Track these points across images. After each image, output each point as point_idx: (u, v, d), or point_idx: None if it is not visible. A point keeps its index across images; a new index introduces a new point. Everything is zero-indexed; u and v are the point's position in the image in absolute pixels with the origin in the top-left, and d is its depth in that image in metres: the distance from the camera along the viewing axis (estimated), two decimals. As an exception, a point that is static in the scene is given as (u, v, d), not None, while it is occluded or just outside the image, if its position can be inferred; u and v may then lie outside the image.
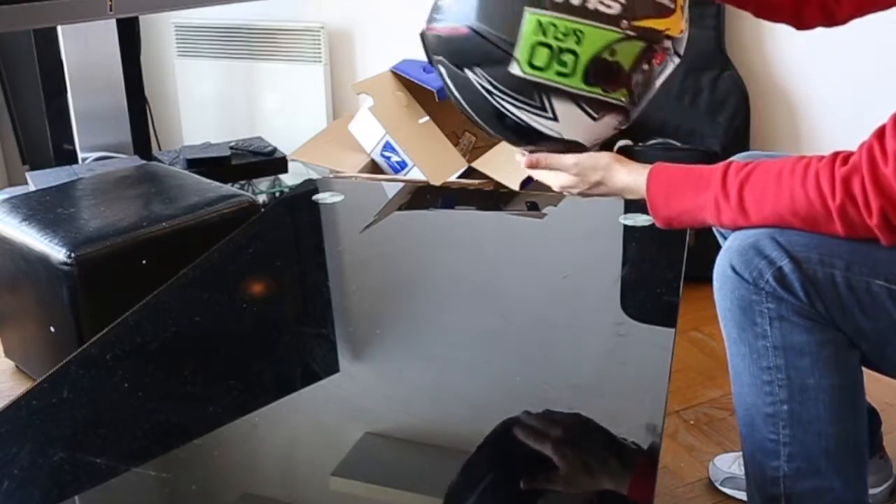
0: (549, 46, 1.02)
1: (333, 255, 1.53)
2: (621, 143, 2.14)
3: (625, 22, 1.02)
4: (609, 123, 1.08)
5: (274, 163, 2.50)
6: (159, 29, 2.77)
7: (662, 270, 1.34)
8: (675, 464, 1.56)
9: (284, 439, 1.02)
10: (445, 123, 2.27)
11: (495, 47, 1.04)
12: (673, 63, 1.08)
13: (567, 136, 1.09)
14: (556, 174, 1.16)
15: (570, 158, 1.13)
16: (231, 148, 2.50)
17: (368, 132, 2.19)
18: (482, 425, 1.04)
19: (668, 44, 1.06)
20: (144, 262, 1.68)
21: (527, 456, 1.00)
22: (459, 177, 2.12)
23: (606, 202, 1.31)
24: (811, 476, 1.11)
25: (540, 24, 1.01)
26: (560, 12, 1.01)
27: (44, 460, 0.96)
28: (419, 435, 1.04)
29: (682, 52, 1.09)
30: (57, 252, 1.62)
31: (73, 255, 1.61)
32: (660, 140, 2.20)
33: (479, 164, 2.14)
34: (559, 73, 1.03)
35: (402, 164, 2.17)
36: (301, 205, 1.75)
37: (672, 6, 1.05)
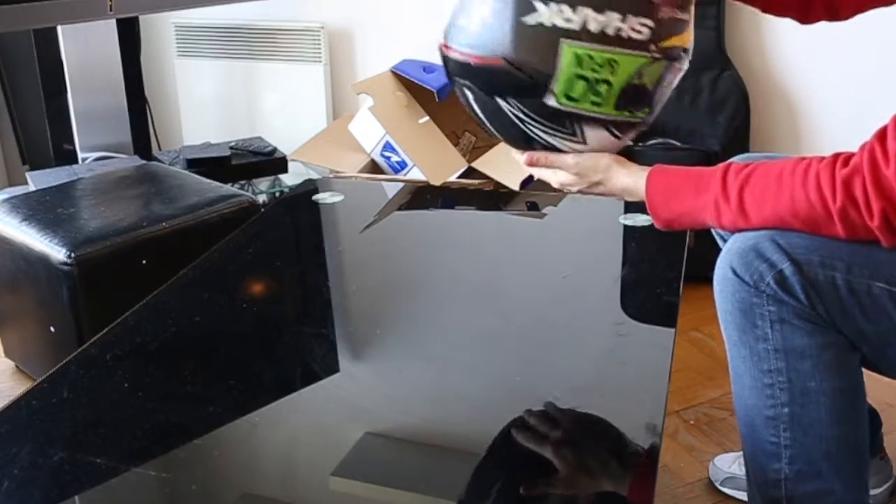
0: (585, 79, 1.02)
1: (333, 255, 1.53)
2: (621, 143, 2.14)
3: (653, 45, 1.03)
4: (629, 138, 1.11)
5: (274, 163, 2.50)
6: (159, 29, 2.77)
7: (662, 270, 1.34)
8: (675, 464, 1.56)
9: (284, 439, 1.02)
10: (445, 123, 2.27)
11: (531, 80, 1.04)
12: (683, 71, 1.09)
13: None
14: (556, 172, 1.16)
15: (570, 158, 1.13)
16: (231, 148, 2.50)
17: (368, 132, 2.19)
18: (482, 425, 1.04)
19: (685, 57, 1.07)
20: (144, 262, 1.68)
21: (527, 456, 1.00)
22: (459, 177, 2.12)
23: (606, 202, 1.31)
24: (812, 479, 1.11)
25: (577, 56, 1.01)
26: (596, 43, 1.01)
27: (44, 460, 0.96)
28: (419, 435, 1.04)
29: (690, 58, 1.10)
30: (57, 252, 1.62)
31: (73, 255, 1.61)
32: (660, 140, 2.20)
33: (479, 164, 2.14)
34: (593, 103, 1.04)
35: (402, 164, 2.17)
36: (301, 205, 1.75)
37: (688, 19, 1.06)
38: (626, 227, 1.47)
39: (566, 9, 1.00)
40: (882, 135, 0.97)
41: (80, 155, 2.33)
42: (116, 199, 1.86)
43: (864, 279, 1.01)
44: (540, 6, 1.01)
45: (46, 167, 2.34)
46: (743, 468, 1.35)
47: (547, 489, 0.95)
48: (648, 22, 1.02)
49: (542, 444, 0.99)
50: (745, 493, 1.37)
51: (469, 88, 1.10)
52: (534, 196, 1.81)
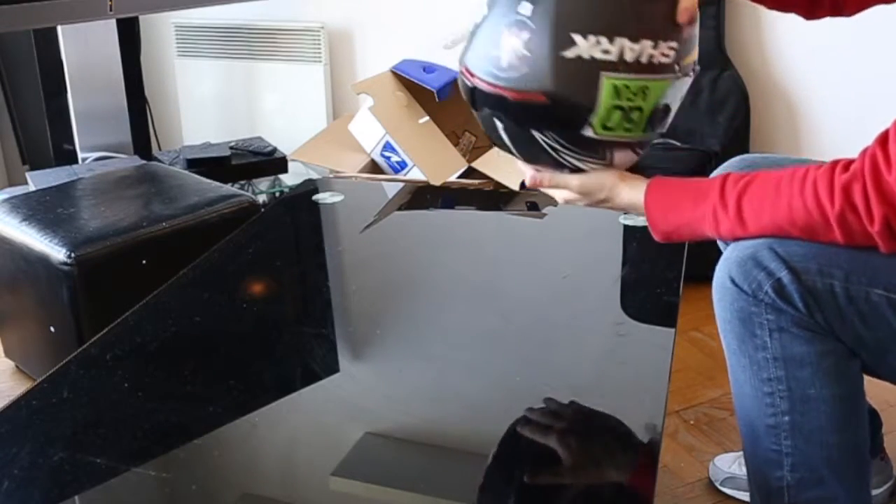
0: (621, 108, 1.03)
1: (333, 255, 1.53)
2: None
3: (677, 66, 1.04)
4: (647, 151, 1.12)
5: (274, 163, 2.50)
6: (159, 29, 2.77)
7: (662, 270, 1.34)
8: (675, 464, 1.56)
9: (284, 439, 1.02)
10: (445, 123, 2.27)
11: (571, 114, 1.03)
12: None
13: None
14: (561, 190, 1.16)
15: (574, 180, 1.13)
16: (231, 148, 2.50)
17: (368, 132, 2.19)
18: (482, 425, 1.04)
19: (697, 69, 1.09)
20: (144, 262, 1.68)
21: (526, 456, 1.00)
22: (459, 177, 2.12)
23: (606, 202, 1.30)
24: (815, 486, 1.11)
25: (615, 88, 1.01)
26: (632, 73, 1.01)
27: (44, 460, 0.96)
28: (419, 435, 1.04)
29: None
30: (57, 252, 1.62)
31: (73, 255, 1.61)
32: (660, 140, 2.20)
33: (479, 164, 2.14)
34: (626, 129, 1.05)
35: (402, 164, 2.17)
36: (301, 205, 1.75)
37: (697, 33, 1.07)
38: (626, 227, 1.47)
39: (604, 41, 0.99)
40: (884, 139, 0.96)
41: (80, 155, 2.33)
42: (116, 199, 1.86)
43: (862, 286, 1.01)
44: (579, 39, 0.99)
45: (46, 167, 2.34)
46: (743, 468, 1.35)
47: (547, 489, 0.95)
48: (674, 44, 1.02)
49: (542, 444, 0.99)
50: (745, 493, 1.37)
51: (500, 119, 1.08)
52: (534, 196, 1.81)
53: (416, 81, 2.22)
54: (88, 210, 1.83)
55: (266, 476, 0.96)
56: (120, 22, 2.33)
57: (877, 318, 1.02)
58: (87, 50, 2.29)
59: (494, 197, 1.92)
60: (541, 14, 1.00)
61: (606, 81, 1.01)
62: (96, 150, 2.34)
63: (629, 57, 1.00)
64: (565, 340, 1.24)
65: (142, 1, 2.21)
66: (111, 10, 2.05)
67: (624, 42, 0.99)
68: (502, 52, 1.02)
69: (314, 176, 2.37)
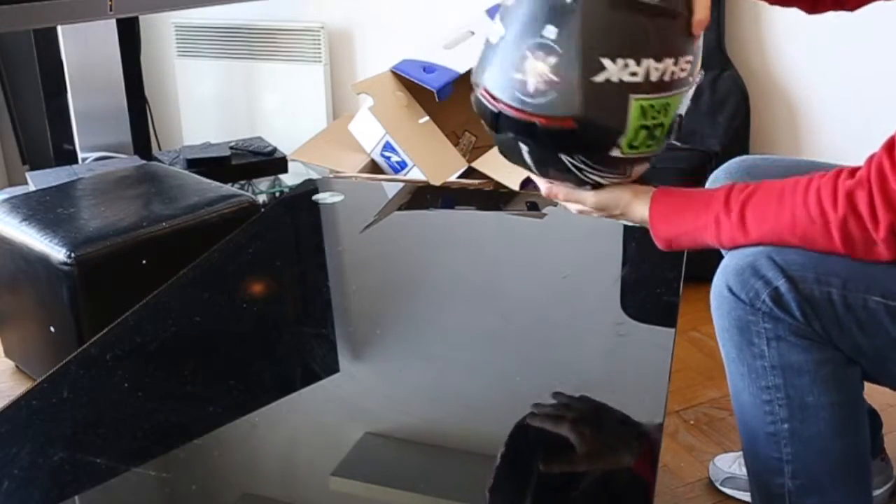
0: (647, 127, 1.03)
1: (333, 255, 1.53)
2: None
3: (690, 77, 1.04)
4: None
5: (274, 163, 2.49)
6: (159, 29, 2.77)
7: (662, 270, 1.34)
8: (675, 464, 1.56)
9: (284, 439, 1.02)
10: (445, 123, 2.27)
11: (601, 137, 1.03)
12: None
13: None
14: (575, 204, 1.16)
15: (590, 196, 1.13)
16: (231, 148, 2.50)
17: (368, 132, 2.19)
18: (482, 425, 1.04)
19: (703, 73, 1.10)
20: (144, 262, 1.68)
21: (526, 455, 1.00)
22: (459, 177, 2.12)
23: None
24: (815, 492, 1.11)
25: (643, 108, 1.01)
26: (656, 92, 1.01)
27: (44, 460, 0.96)
28: (419, 435, 1.04)
29: None
30: (57, 252, 1.62)
31: (73, 255, 1.61)
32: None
33: (479, 164, 2.14)
34: (649, 146, 1.05)
35: (402, 164, 2.17)
36: (301, 205, 1.75)
37: (702, 40, 1.08)
38: (626, 226, 1.47)
39: (631, 63, 0.99)
40: (891, 146, 0.96)
41: (80, 155, 2.33)
42: (116, 199, 1.86)
43: (859, 294, 1.01)
44: (607, 63, 0.99)
45: (46, 167, 2.34)
46: (743, 468, 1.35)
47: (547, 489, 0.95)
48: (690, 58, 1.03)
49: (542, 443, 0.99)
50: (745, 493, 1.37)
51: (526, 144, 1.07)
52: (534, 196, 1.81)
53: (416, 81, 2.22)
54: (88, 210, 1.83)
55: (266, 476, 0.96)
56: (120, 22, 2.33)
57: (875, 326, 1.02)
58: (87, 50, 2.29)
59: (494, 197, 1.92)
60: (567, 37, 0.99)
61: (635, 103, 1.01)
62: (96, 150, 2.34)
63: (654, 77, 1.00)
64: (565, 340, 1.24)
65: (142, 1, 2.21)
66: (111, 10, 2.05)
67: (650, 63, 0.99)
68: (528, 77, 1.01)
69: (314, 176, 2.37)
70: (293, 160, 2.44)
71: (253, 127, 2.74)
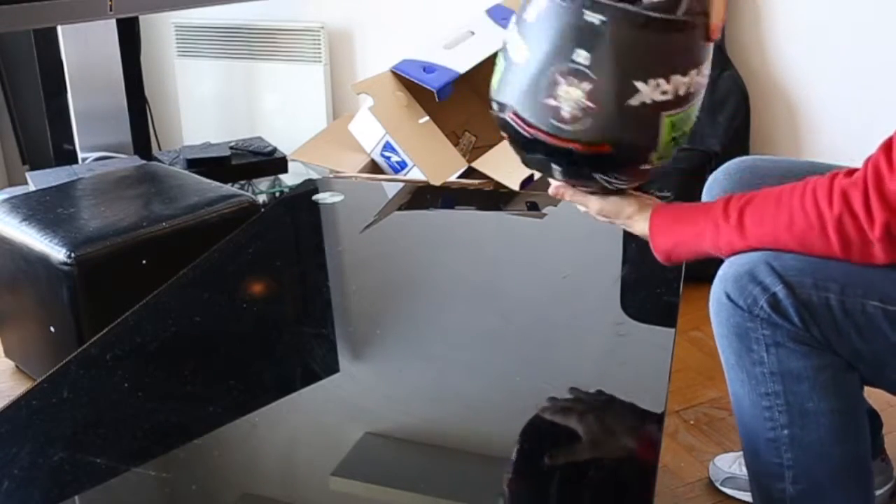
0: (675, 139, 1.05)
1: (333, 255, 1.53)
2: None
3: (706, 81, 1.06)
4: None
5: (274, 163, 2.49)
6: (159, 29, 2.77)
7: (662, 270, 1.34)
8: (675, 464, 1.56)
9: (284, 439, 1.02)
10: (445, 123, 2.27)
11: (636, 155, 1.05)
12: None
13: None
14: (581, 206, 1.18)
15: (594, 203, 1.15)
16: (231, 148, 2.50)
17: (368, 132, 2.19)
18: (482, 425, 1.04)
19: None
20: (144, 262, 1.68)
21: (526, 455, 1.00)
22: (459, 177, 2.12)
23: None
24: (817, 497, 1.11)
25: (673, 123, 1.03)
26: (683, 105, 1.03)
27: (44, 460, 0.96)
28: (419, 435, 1.04)
29: None
30: (57, 252, 1.62)
31: (73, 255, 1.61)
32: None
33: (479, 164, 2.14)
34: (672, 153, 1.07)
35: (402, 164, 2.17)
36: (301, 205, 1.75)
37: None
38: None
39: (662, 82, 1.00)
40: (888, 146, 0.96)
41: (80, 155, 2.33)
42: (116, 199, 1.86)
43: (857, 298, 1.01)
44: (641, 86, 0.99)
45: (46, 167, 2.34)
46: (743, 468, 1.35)
47: (547, 489, 0.95)
48: (707, 63, 1.05)
49: (542, 443, 0.99)
50: (745, 493, 1.37)
51: (560, 165, 1.08)
52: (534, 196, 1.81)
53: (416, 81, 2.22)
54: (88, 210, 1.83)
55: (266, 476, 0.96)
56: (120, 22, 2.33)
57: (873, 331, 1.02)
58: (87, 50, 2.28)
59: (494, 197, 1.92)
60: (600, 62, 0.98)
61: (666, 120, 1.02)
62: (96, 150, 2.34)
63: (682, 91, 1.02)
64: (565, 340, 1.24)
65: (142, 1, 2.21)
66: (111, 10, 2.05)
67: (677, 79, 1.01)
68: (562, 104, 1.01)
69: (314, 176, 2.37)
70: (293, 160, 2.44)
71: (253, 127, 2.74)
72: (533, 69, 1.02)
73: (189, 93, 2.80)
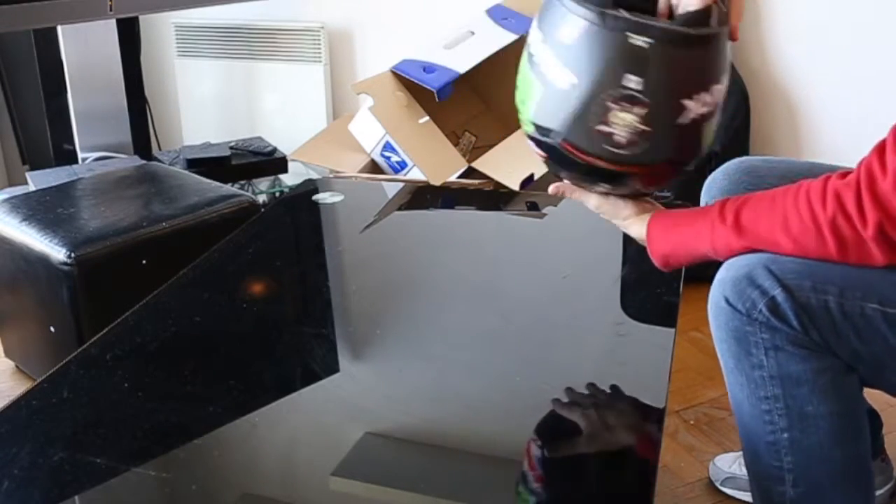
0: (709, 144, 1.08)
1: (333, 255, 1.53)
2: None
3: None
4: None
5: (274, 163, 2.50)
6: (159, 29, 2.77)
7: (662, 271, 1.34)
8: (675, 464, 1.57)
9: (284, 439, 1.02)
10: (445, 123, 2.27)
11: (685, 168, 1.08)
12: None
13: None
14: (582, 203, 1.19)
15: (593, 201, 1.16)
16: (231, 148, 2.50)
17: (368, 132, 2.19)
18: (482, 425, 1.04)
19: None
20: (144, 262, 1.68)
21: (526, 455, 1.00)
22: (459, 177, 2.12)
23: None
24: (817, 500, 1.11)
25: (712, 130, 1.06)
26: (717, 112, 1.06)
27: (44, 460, 0.96)
28: (419, 435, 1.04)
29: None
30: (57, 252, 1.62)
31: (73, 255, 1.61)
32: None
33: (479, 164, 2.14)
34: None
35: (402, 164, 2.17)
36: (301, 205, 1.75)
37: None
38: (626, 227, 1.47)
39: (706, 95, 1.01)
40: (881, 148, 0.96)
41: (80, 155, 2.33)
42: (116, 199, 1.86)
43: (856, 301, 1.01)
44: (689, 104, 1.00)
45: (46, 167, 2.34)
46: (743, 468, 1.35)
47: (547, 489, 0.95)
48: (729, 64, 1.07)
49: (541, 443, 0.99)
50: (745, 494, 1.37)
51: (608, 183, 1.10)
52: (534, 196, 1.81)
53: (416, 81, 2.22)
54: (88, 210, 1.83)
55: (266, 476, 0.96)
56: (120, 22, 2.33)
57: (872, 333, 1.02)
58: (87, 50, 2.29)
59: (494, 197, 1.92)
60: (652, 85, 0.99)
61: (707, 129, 1.05)
62: (96, 150, 2.34)
63: (719, 99, 1.04)
64: (565, 340, 1.24)
65: (142, 1, 2.21)
66: (111, 10, 2.05)
67: (715, 88, 1.03)
68: (616, 129, 1.01)
69: (314, 176, 2.37)
70: (293, 160, 2.44)
71: (253, 127, 2.74)
72: (581, 96, 1.01)
73: (189, 93, 2.80)
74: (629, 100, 0.99)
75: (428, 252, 1.56)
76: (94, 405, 1.07)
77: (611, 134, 1.01)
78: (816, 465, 1.09)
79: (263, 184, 2.54)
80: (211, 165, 2.38)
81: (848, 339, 1.03)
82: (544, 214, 1.65)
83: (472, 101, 2.46)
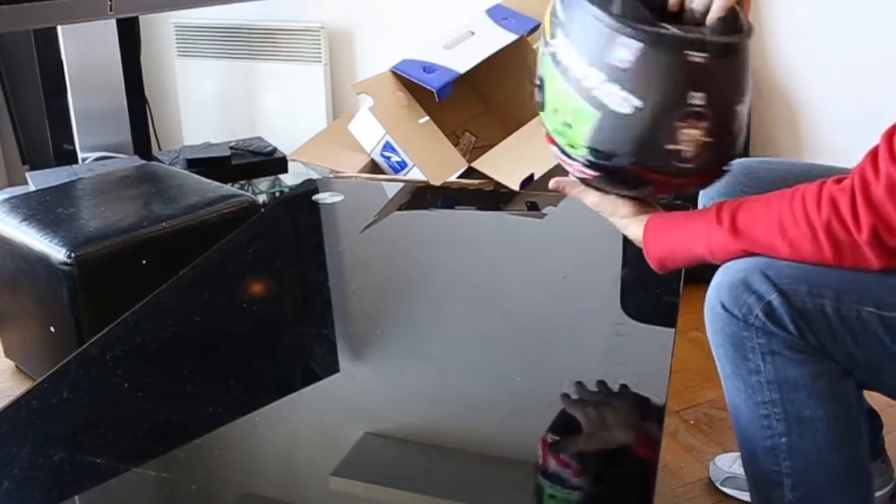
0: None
1: (333, 255, 1.53)
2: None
3: None
4: None
5: (274, 163, 2.50)
6: (159, 29, 2.77)
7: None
8: (675, 464, 1.56)
9: (284, 439, 1.02)
10: (445, 123, 2.27)
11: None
12: None
13: None
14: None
15: (593, 198, 1.16)
16: (231, 148, 2.50)
17: (368, 132, 2.19)
18: (482, 425, 1.04)
19: None
20: (144, 262, 1.68)
21: (525, 455, 1.00)
22: (459, 177, 2.12)
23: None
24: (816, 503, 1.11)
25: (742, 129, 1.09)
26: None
27: (44, 460, 0.96)
28: (419, 435, 1.04)
29: None
30: (57, 252, 1.62)
31: (73, 255, 1.61)
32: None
33: (479, 164, 2.14)
34: None
35: (402, 164, 2.17)
36: (301, 205, 1.75)
37: None
38: (626, 227, 1.47)
39: (747, 97, 1.05)
40: (874, 153, 0.97)
41: (80, 155, 2.33)
42: (116, 199, 1.86)
43: (852, 305, 1.01)
44: (739, 108, 1.04)
45: (46, 167, 2.34)
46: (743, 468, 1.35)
47: (547, 488, 0.95)
48: None
49: (541, 444, 0.99)
50: (745, 494, 1.37)
51: (669, 195, 1.13)
52: (534, 196, 1.81)
53: (416, 81, 2.22)
54: (88, 210, 1.83)
55: (266, 476, 0.96)
56: (120, 22, 2.33)
57: (868, 336, 1.02)
58: (87, 50, 2.29)
59: (494, 197, 1.92)
60: (712, 99, 1.00)
61: (744, 127, 1.08)
62: (96, 150, 2.34)
63: (750, 98, 1.07)
64: (565, 340, 1.24)
65: (142, 1, 2.21)
66: (111, 10, 2.05)
67: (749, 88, 1.05)
68: (683, 146, 1.02)
69: (314, 176, 2.37)
70: (293, 160, 2.44)
71: (253, 127, 2.74)
72: (648, 119, 1.01)
73: (189, 93, 2.80)
74: (695, 116, 1.00)
75: (428, 252, 1.56)
76: (94, 405, 1.07)
77: (679, 151, 1.02)
78: (815, 469, 1.09)
79: (263, 184, 2.54)
80: (211, 165, 2.38)
81: (844, 343, 1.02)
82: (544, 214, 1.65)
83: (472, 101, 2.46)
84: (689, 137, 1.01)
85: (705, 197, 1.31)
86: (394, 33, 2.65)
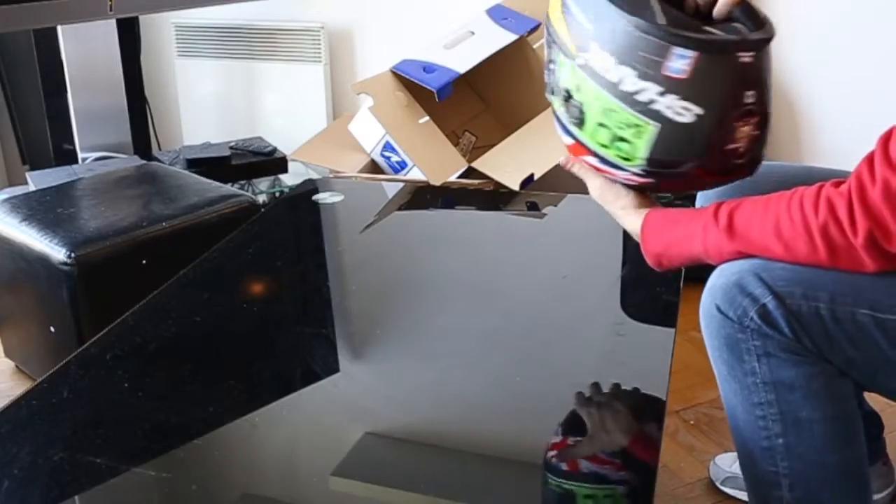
0: None
1: (333, 255, 1.53)
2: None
3: None
4: None
5: (274, 163, 2.50)
6: (159, 29, 2.77)
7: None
8: (675, 464, 1.56)
9: (284, 439, 1.02)
10: (445, 123, 2.27)
11: None
12: None
13: None
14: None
15: (596, 182, 1.16)
16: (231, 148, 2.50)
17: (368, 132, 2.20)
18: (482, 425, 1.04)
19: None
20: (144, 262, 1.68)
21: (525, 455, 1.00)
22: (459, 177, 2.12)
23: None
24: None
25: None
26: None
27: (44, 460, 0.96)
28: (419, 435, 1.04)
29: None
30: (57, 252, 1.62)
31: (73, 255, 1.61)
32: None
33: (479, 164, 2.14)
34: None
35: (402, 164, 2.17)
36: (301, 205, 1.75)
37: None
38: (626, 227, 1.47)
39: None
40: (870, 158, 0.97)
41: (80, 155, 2.33)
42: (116, 199, 1.86)
43: (847, 307, 1.01)
44: (771, 96, 1.07)
45: (46, 167, 2.34)
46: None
47: (547, 487, 0.95)
48: None
49: (541, 443, 0.99)
50: (745, 493, 1.37)
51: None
52: (534, 196, 1.81)
53: (416, 81, 2.22)
54: (88, 210, 1.83)
55: (266, 476, 0.96)
56: (120, 22, 2.33)
57: (864, 338, 1.02)
58: (87, 50, 2.29)
59: (494, 197, 1.92)
60: (760, 95, 1.04)
61: None
62: (96, 150, 2.34)
63: None
64: (565, 340, 1.24)
65: (142, 1, 2.21)
66: (111, 10, 2.05)
67: None
68: (739, 143, 1.05)
69: (314, 176, 2.37)
70: (293, 160, 2.44)
71: (253, 127, 2.74)
72: (710, 124, 1.03)
73: (189, 93, 2.80)
74: (749, 114, 1.04)
75: (428, 252, 1.56)
76: (94, 405, 1.07)
77: (737, 149, 1.05)
78: (812, 470, 1.09)
79: (263, 184, 2.54)
80: (211, 165, 2.38)
81: (840, 345, 1.03)
82: (544, 214, 1.65)
83: (472, 101, 2.46)
84: (744, 134, 1.04)
85: (703, 198, 1.31)
86: (394, 33, 2.65)
